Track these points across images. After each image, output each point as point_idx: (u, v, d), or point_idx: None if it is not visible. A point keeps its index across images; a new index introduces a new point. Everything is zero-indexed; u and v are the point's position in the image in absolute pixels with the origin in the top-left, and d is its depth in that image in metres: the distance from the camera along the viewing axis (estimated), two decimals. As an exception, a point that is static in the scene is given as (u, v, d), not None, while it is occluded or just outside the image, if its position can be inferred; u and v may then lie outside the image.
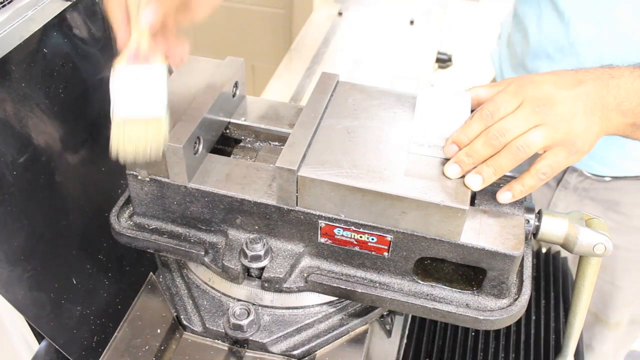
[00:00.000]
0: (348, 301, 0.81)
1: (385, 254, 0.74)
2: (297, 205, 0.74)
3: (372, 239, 0.74)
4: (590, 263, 0.82)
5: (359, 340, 0.79)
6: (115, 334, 0.79)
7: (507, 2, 1.43)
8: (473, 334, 1.08)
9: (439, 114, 0.79)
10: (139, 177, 0.77)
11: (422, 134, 0.75)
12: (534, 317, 1.12)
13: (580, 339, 0.98)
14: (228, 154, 0.86)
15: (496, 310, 0.74)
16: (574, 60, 1.12)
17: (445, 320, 0.75)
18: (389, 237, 0.73)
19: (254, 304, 0.79)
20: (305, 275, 0.77)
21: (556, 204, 1.34)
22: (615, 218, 1.29)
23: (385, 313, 0.85)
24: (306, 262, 0.78)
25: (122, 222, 0.82)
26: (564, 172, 1.30)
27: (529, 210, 0.78)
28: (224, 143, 0.88)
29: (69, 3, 0.96)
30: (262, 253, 0.75)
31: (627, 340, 1.52)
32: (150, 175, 0.77)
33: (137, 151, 0.68)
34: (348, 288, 0.75)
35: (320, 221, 0.74)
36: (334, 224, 0.74)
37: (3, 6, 0.86)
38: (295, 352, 0.77)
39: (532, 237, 0.79)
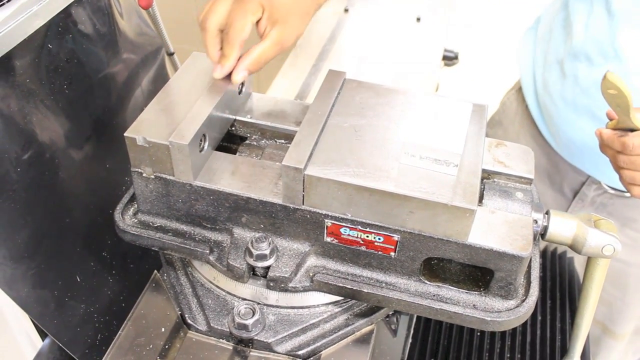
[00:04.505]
0: (354, 301, 0.80)
1: (392, 253, 0.74)
2: (303, 204, 0.73)
3: (379, 239, 0.73)
4: (598, 264, 0.81)
5: (364, 340, 0.79)
6: (119, 332, 0.78)
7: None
8: (479, 334, 1.07)
9: (434, 124, 0.78)
10: (144, 175, 0.77)
11: (414, 144, 0.74)
12: (539, 318, 1.12)
13: (586, 340, 0.97)
14: (234, 152, 0.85)
15: (503, 311, 0.73)
16: (615, 65, 1.07)
17: (452, 321, 0.74)
18: (395, 237, 0.72)
19: (259, 303, 0.78)
20: (311, 274, 0.76)
21: None
22: (631, 235, 1.26)
23: (390, 313, 0.84)
24: (312, 261, 0.77)
25: (126, 220, 0.82)
26: (582, 184, 1.27)
27: (538, 210, 0.77)
28: (230, 140, 0.88)
29: (74, -1, 0.96)
30: (267, 252, 0.75)
31: (629, 350, 1.51)
32: (155, 172, 0.76)
33: None
34: (354, 288, 0.75)
35: (326, 220, 0.73)
36: (341, 224, 0.73)
37: (8, 1, 0.86)
38: (300, 352, 0.77)
39: (540, 238, 0.78)
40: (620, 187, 1.21)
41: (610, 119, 0.91)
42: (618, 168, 0.93)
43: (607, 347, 1.47)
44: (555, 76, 1.20)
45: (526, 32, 1.37)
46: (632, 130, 0.87)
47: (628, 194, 1.22)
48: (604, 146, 0.93)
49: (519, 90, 1.38)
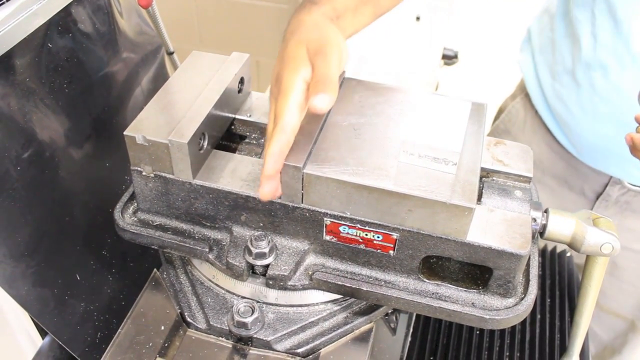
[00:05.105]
0: (353, 299, 0.80)
1: (391, 252, 0.74)
2: (302, 202, 0.73)
3: (378, 237, 0.73)
4: (597, 262, 0.81)
5: (363, 338, 0.79)
6: (119, 330, 0.78)
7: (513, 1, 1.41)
8: (478, 332, 1.08)
9: (433, 123, 0.78)
10: (144, 173, 0.77)
11: (413, 143, 0.74)
12: (539, 316, 1.12)
13: (585, 339, 0.98)
14: (233, 151, 0.86)
15: (502, 309, 0.73)
16: (635, 72, 1.06)
17: (451, 319, 0.74)
18: (394, 235, 0.72)
19: (258, 302, 0.79)
20: (310, 273, 0.76)
21: None
22: None
23: (390, 311, 0.85)
24: (311, 259, 0.78)
25: (126, 218, 0.82)
26: (605, 185, 1.26)
27: (536, 208, 0.77)
28: (229, 139, 0.88)
29: (74, -3, 0.96)
30: (266, 250, 0.75)
31: None
32: (154, 171, 0.76)
33: None
34: (353, 286, 0.75)
35: (325, 219, 0.73)
36: (340, 222, 0.73)
37: (8, 0, 0.86)
38: (299, 350, 0.77)
39: (539, 236, 0.79)
40: None
41: None
42: None
43: (633, 342, 1.46)
44: (567, 87, 1.19)
45: (522, 45, 1.36)
46: None
47: None
48: (635, 150, 0.91)
49: (524, 97, 1.37)
